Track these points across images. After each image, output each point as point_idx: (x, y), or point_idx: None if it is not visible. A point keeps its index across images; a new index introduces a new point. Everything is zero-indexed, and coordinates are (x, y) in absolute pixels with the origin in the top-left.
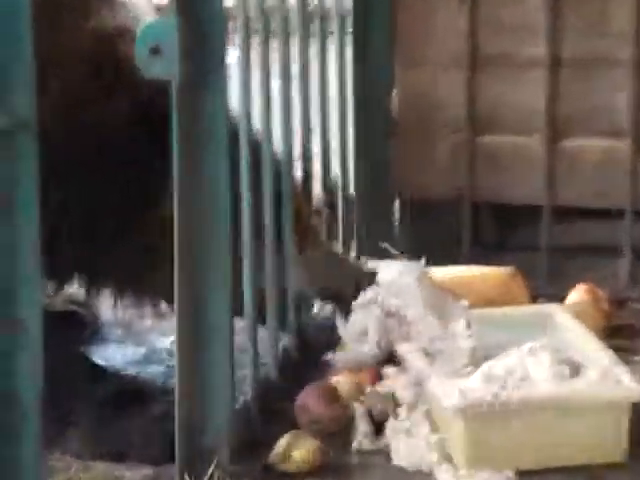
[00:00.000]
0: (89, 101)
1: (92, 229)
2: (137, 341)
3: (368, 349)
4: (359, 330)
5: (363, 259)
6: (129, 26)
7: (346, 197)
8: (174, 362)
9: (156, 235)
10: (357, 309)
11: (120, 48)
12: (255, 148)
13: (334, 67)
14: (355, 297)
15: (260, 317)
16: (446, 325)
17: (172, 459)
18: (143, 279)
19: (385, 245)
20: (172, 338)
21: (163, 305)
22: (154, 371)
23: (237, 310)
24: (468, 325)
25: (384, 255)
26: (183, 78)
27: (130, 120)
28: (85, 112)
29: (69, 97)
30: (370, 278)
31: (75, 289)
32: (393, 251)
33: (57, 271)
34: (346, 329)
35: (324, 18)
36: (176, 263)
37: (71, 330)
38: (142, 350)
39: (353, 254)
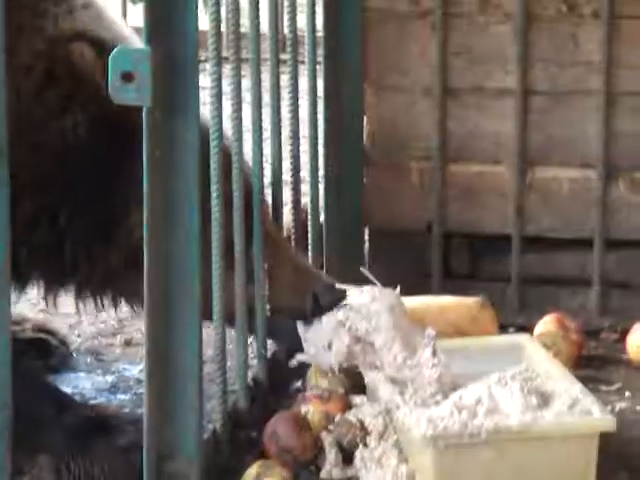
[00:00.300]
0: (42, 115)
1: (58, 245)
2: (105, 369)
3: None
4: (322, 345)
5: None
6: (89, 30)
7: (316, 225)
8: (142, 390)
9: (124, 248)
10: (324, 327)
11: (76, 53)
12: (228, 168)
13: (306, 95)
14: (315, 312)
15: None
16: (413, 353)
17: None
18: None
19: (364, 271)
20: (140, 367)
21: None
22: (122, 399)
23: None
24: (434, 354)
25: (357, 282)
26: (155, 104)
27: (92, 135)
28: (39, 129)
29: (21, 109)
30: (336, 294)
31: (43, 317)
32: (370, 277)
33: (19, 278)
34: (309, 344)
35: (296, 45)
36: (145, 295)
37: (39, 358)
38: (110, 378)
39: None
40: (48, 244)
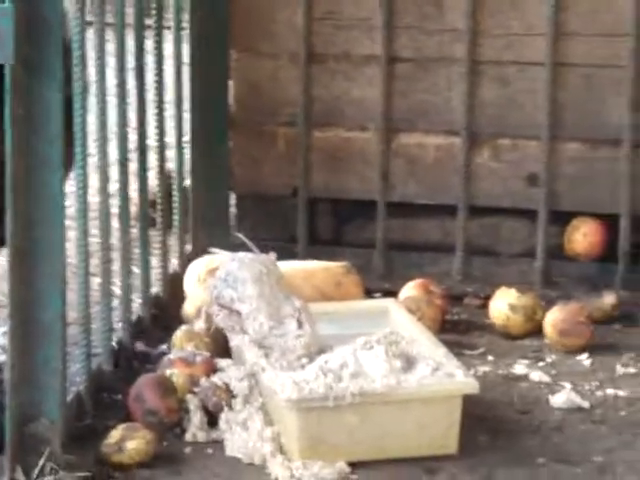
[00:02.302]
0: None
1: None
2: None
3: (200, 327)
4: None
5: (212, 249)
6: None
7: (182, 189)
8: (5, 353)
9: None
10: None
11: None
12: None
13: (171, 61)
14: None
15: None
16: (278, 324)
17: (2, 450)
18: None
19: (240, 236)
20: (3, 329)
21: None
22: None
23: None
24: (300, 325)
25: (223, 247)
26: (18, 62)
27: None
28: None
29: None
30: None
31: None
32: (248, 242)
33: None
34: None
35: (160, 10)
36: (9, 252)
37: None
38: None
39: (189, 247)
40: None
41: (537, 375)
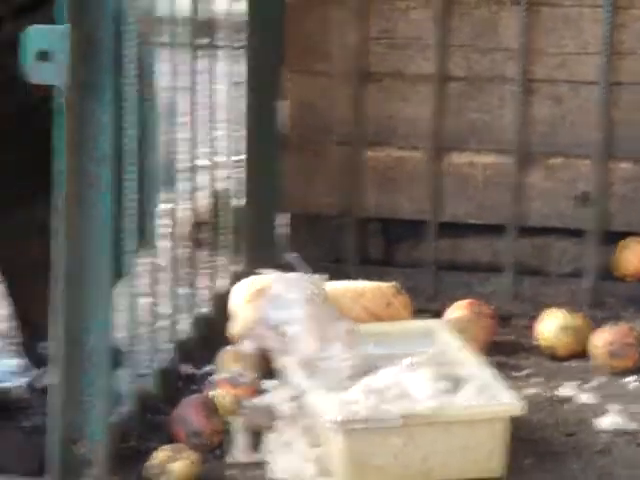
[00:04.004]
0: None
1: None
2: (14, 353)
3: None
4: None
5: (261, 269)
6: None
7: (232, 209)
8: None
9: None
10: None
11: None
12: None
13: (224, 80)
14: None
15: None
16: (326, 346)
17: (45, 473)
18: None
19: (293, 256)
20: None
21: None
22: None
23: None
24: (347, 348)
25: (272, 267)
26: (71, 85)
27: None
28: None
29: None
30: None
31: None
32: (299, 263)
33: None
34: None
35: (214, 29)
36: (54, 279)
37: None
38: (20, 362)
39: (238, 267)
40: None
41: (584, 397)
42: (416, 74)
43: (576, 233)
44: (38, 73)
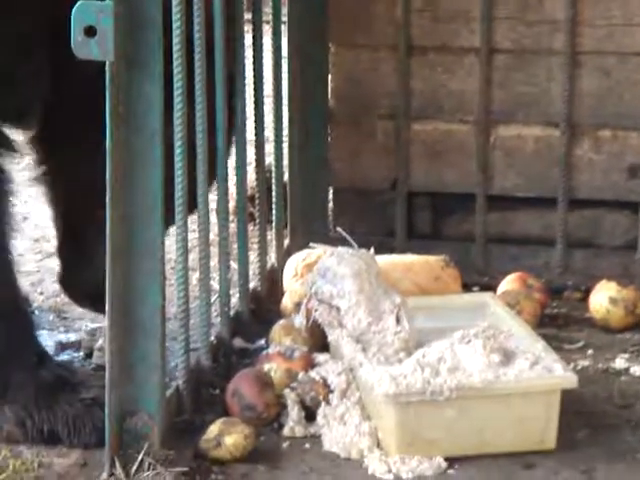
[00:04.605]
0: None
1: None
2: (68, 327)
3: (299, 322)
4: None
5: (311, 243)
6: None
7: (281, 184)
8: (106, 349)
9: None
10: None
11: None
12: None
13: (270, 55)
14: None
15: None
16: (377, 320)
17: (103, 445)
18: None
19: (340, 231)
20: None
21: None
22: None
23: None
24: (399, 321)
25: (321, 241)
26: (118, 59)
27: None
28: None
29: None
30: None
31: None
32: (347, 237)
33: None
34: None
35: (260, 4)
36: (108, 249)
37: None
38: (73, 336)
39: (287, 242)
40: None
41: (638, 369)
42: (462, 47)
43: (627, 205)
44: (85, 48)
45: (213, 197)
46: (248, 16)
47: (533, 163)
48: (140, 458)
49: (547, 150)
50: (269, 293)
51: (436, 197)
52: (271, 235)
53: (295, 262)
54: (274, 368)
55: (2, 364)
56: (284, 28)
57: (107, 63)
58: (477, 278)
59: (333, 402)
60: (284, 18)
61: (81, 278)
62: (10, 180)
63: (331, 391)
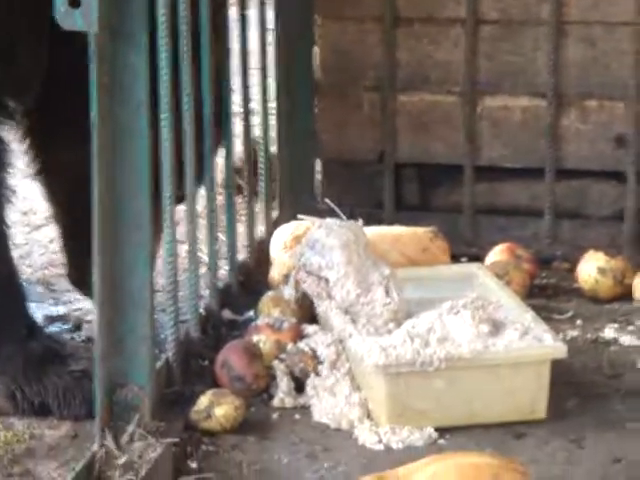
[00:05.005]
0: None
1: None
2: (56, 299)
3: (287, 294)
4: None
5: (299, 215)
6: None
7: (268, 156)
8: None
9: None
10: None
11: None
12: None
13: (255, 27)
14: None
15: None
16: (366, 292)
17: (93, 417)
18: None
19: (327, 201)
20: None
21: None
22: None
23: None
24: (388, 293)
25: (308, 213)
26: (103, 30)
27: None
28: None
29: None
30: None
31: None
32: (335, 209)
33: None
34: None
35: None
36: (95, 222)
37: None
38: (62, 309)
39: (275, 213)
40: None
41: (627, 339)
42: (448, 18)
43: (614, 175)
44: (69, 20)
45: None
46: None
47: (520, 133)
48: (131, 429)
49: (534, 120)
50: (257, 265)
51: (423, 168)
52: (259, 207)
53: (283, 234)
54: (263, 339)
55: None
56: (270, 0)
57: (91, 34)
58: (465, 249)
59: (323, 373)
60: None
61: (88, 272)
62: (8, 151)
63: (320, 362)
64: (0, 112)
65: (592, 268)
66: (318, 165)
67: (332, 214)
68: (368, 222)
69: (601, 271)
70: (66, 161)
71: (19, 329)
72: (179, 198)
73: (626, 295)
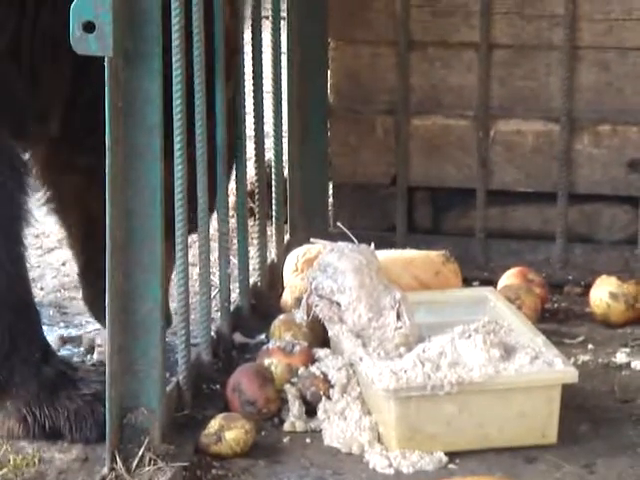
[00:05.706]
0: None
1: None
2: (68, 322)
3: (299, 318)
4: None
5: (312, 239)
6: None
7: (281, 179)
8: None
9: None
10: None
11: None
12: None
13: (269, 50)
14: None
15: None
16: (377, 316)
17: (103, 440)
18: None
19: (339, 225)
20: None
21: None
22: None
23: None
24: (399, 317)
25: (321, 236)
26: (117, 54)
27: None
28: None
29: None
30: None
31: None
32: (347, 232)
33: None
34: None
35: (259, 0)
36: (108, 244)
37: None
38: (73, 331)
39: (288, 237)
40: None
41: (639, 364)
42: (461, 42)
43: (627, 200)
44: (83, 44)
45: None
46: (247, 11)
47: (533, 158)
48: (141, 453)
49: (547, 145)
50: (269, 288)
51: (436, 192)
52: (271, 230)
53: (295, 257)
54: (274, 363)
55: (6, 358)
56: (283, 23)
57: (106, 58)
58: (477, 273)
59: (334, 397)
60: (283, 13)
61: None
62: (27, 173)
63: (331, 386)
64: (24, 138)
65: (604, 293)
66: (330, 188)
67: (344, 237)
68: (380, 245)
69: (613, 296)
70: (81, 188)
71: (33, 353)
72: (190, 229)
73: (638, 320)
